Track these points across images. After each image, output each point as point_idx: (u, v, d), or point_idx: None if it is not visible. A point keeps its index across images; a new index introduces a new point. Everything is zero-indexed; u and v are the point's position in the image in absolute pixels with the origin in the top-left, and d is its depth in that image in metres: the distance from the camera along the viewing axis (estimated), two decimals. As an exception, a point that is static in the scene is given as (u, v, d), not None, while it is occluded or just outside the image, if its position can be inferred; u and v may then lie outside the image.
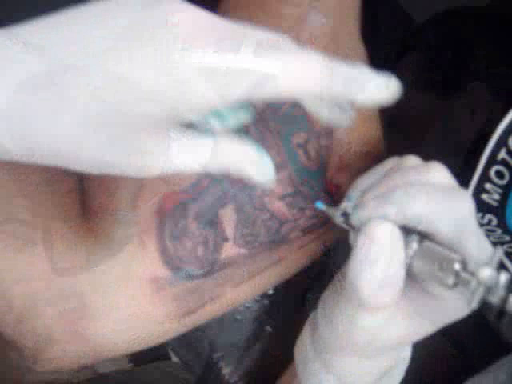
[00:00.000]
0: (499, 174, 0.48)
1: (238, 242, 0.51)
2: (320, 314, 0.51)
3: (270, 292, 0.75)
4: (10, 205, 0.50)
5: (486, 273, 0.38)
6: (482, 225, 0.51)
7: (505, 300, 0.38)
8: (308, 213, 0.53)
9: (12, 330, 0.51)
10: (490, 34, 0.49)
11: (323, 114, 0.43)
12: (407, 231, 0.42)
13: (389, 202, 0.42)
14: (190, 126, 0.43)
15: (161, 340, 0.57)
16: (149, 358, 0.99)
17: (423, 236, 0.42)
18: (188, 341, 0.75)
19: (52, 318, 0.51)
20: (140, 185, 0.50)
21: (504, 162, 0.48)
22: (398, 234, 0.41)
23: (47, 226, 0.51)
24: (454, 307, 0.45)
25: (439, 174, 0.44)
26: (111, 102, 0.35)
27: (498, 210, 0.50)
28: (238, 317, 0.75)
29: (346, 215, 0.45)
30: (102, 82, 0.35)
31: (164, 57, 0.35)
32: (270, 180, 0.44)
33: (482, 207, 0.50)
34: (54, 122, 0.35)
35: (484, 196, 0.50)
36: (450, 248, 0.41)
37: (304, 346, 0.55)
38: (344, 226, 0.46)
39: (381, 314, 0.44)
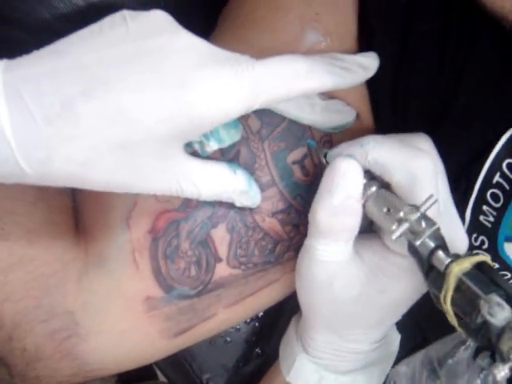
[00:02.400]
0: (495, 197, 0.49)
1: (232, 262, 0.51)
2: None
3: (260, 314, 0.75)
4: (2, 222, 0.50)
5: (413, 215, 0.40)
6: (473, 247, 0.51)
7: (432, 252, 0.39)
8: (302, 229, 0.53)
9: (2, 346, 0.51)
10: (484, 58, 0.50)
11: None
12: (372, 178, 0.45)
13: (358, 145, 0.45)
14: (187, 145, 0.44)
15: (152, 360, 0.56)
16: (136, 378, 0.98)
17: (385, 186, 0.45)
18: (177, 362, 0.74)
19: (42, 335, 0.50)
20: (133, 203, 0.50)
21: (499, 185, 0.48)
22: (359, 170, 0.44)
23: (40, 242, 0.51)
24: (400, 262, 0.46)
25: (420, 139, 0.46)
26: (124, 128, 0.37)
27: (491, 233, 0.50)
28: (228, 338, 0.75)
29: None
30: (115, 108, 0.36)
31: (175, 82, 0.38)
32: (256, 203, 0.49)
33: (478, 228, 0.51)
34: (70, 147, 0.36)
35: (481, 218, 0.50)
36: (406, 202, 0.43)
37: (287, 333, 0.57)
38: (324, 163, 0.49)
39: (338, 247, 0.45)
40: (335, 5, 0.52)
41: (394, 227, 0.41)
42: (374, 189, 0.44)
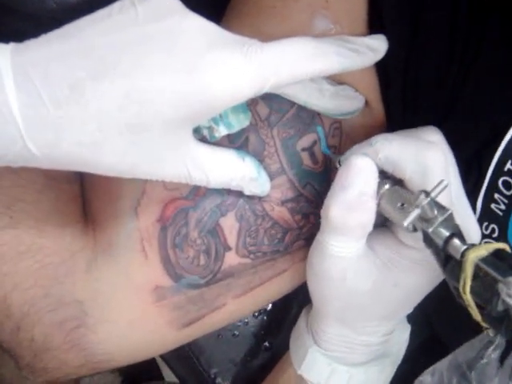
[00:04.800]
0: (506, 185, 0.49)
1: (241, 251, 0.51)
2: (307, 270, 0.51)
3: (269, 308, 0.75)
4: (11, 211, 0.50)
5: (424, 200, 0.39)
6: (484, 235, 0.51)
7: (447, 241, 0.39)
8: (312, 218, 0.52)
9: (10, 337, 0.51)
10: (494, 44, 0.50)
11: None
12: (385, 177, 0.45)
13: (368, 144, 0.45)
14: (195, 131, 0.44)
15: (160, 351, 0.56)
16: (142, 378, 0.98)
17: (398, 184, 0.44)
18: (184, 356, 0.74)
19: (50, 325, 0.50)
20: (142, 191, 0.50)
21: (510, 173, 0.48)
22: (373, 167, 0.44)
23: (49, 231, 0.51)
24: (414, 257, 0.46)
25: (429, 132, 0.46)
26: (134, 109, 0.37)
27: (502, 220, 0.50)
28: (236, 332, 0.74)
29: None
30: (124, 91, 0.36)
31: (185, 64, 0.37)
32: (265, 191, 0.49)
33: (489, 217, 0.50)
34: (80, 129, 0.36)
35: (493, 206, 0.50)
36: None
37: (297, 325, 0.57)
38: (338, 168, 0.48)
39: (351, 243, 0.45)
40: None
41: (405, 222, 0.40)
42: (387, 186, 0.44)
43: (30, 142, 0.35)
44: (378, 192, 0.44)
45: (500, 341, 0.46)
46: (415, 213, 0.40)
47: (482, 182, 0.50)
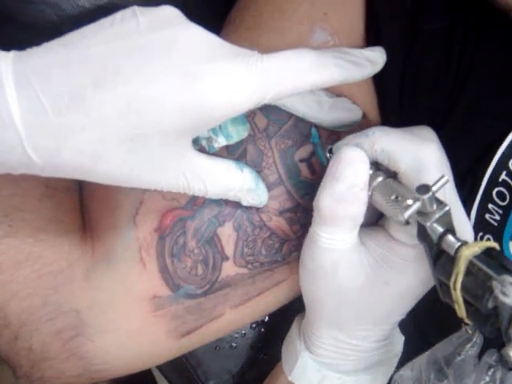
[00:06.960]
0: (501, 195, 0.49)
1: (238, 261, 0.51)
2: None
3: (266, 319, 0.75)
4: (9, 220, 0.50)
5: (426, 194, 0.39)
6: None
7: (442, 236, 0.39)
8: None
9: (7, 346, 0.51)
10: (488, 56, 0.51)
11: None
12: (378, 169, 0.45)
13: (364, 135, 0.45)
14: (194, 142, 0.44)
15: (158, 361, 0.56)
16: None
17: (391, 177, 0.45)
18: (182, 367, 0.74)
19: (48, 335, 0.50)
20: (140, 201, 0.50)
21: (505, 184, 0.48)
22: (364, 158, 0.44)
23: (48, 240, 0.51)
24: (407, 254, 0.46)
25: (424, 130, 0.47)
26: (133, 119, 0.37)
27: (497, 231, 0.50)
28: (234, 344, 0.74)
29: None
30: (125, 100, 0.37)
31: (186, 74, 0.38)
32: (263, 202, 0.49)
33: (484, 227, 0.50)
34: (79, 137, 0.36)
35: (487, 216, 0.50)
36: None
37: (290, 332, 0.58)
38: (328, 157, 0.49)
39: (341, 234, 0.45)
40: (343, 4, 0.53)
41: (403, 210, 0.40)
42: (380, 179, 0.44)
43: (31, 149, 0.35)
44: (370, 184, 0.44)
45: (478, 338, 0.46)
46: (416, 206, 0.40)
47: (477, 193, 0.50)
